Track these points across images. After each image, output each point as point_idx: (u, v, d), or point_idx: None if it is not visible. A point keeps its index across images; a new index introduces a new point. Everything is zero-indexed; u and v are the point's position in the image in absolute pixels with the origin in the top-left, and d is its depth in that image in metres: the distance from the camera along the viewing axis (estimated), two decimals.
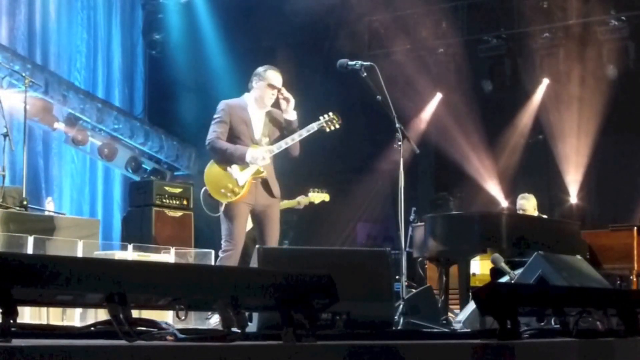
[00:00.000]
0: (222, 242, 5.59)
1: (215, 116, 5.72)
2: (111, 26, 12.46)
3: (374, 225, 13.08)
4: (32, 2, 11.23)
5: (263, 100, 5.73)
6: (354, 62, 5.67)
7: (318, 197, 7.56)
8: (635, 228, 7.78)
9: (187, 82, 12.26)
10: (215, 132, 5.63)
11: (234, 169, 5.59)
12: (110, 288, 2.35)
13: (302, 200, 7.57)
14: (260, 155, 5.60)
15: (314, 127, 5.79)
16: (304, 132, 5.76)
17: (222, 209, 5.56)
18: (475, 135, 11.76)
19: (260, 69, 5.77)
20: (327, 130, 5.85)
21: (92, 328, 2.58)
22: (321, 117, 5.85)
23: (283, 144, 5.69)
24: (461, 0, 11.82)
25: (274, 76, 5.71)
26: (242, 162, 5.57)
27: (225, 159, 5.60)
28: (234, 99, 5.84)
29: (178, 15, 12.60)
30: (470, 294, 6.35)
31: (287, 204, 7.63)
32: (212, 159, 5.70)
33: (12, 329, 2.15)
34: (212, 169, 5.65)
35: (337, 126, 5.88)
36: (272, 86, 5.69)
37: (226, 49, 12.41)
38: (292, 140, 5.72)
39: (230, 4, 12.43)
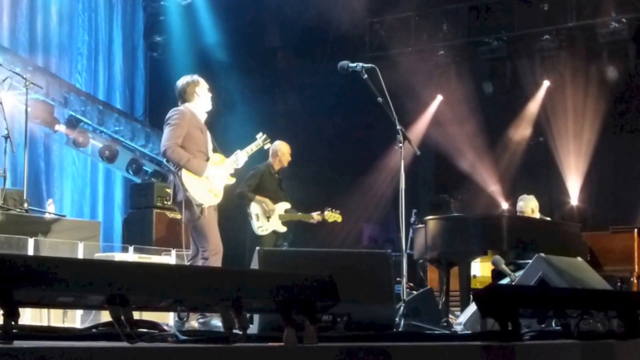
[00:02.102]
0: (205, 249, 5.51)
1: (171, 121, 5.61)
2: (112, 28, 12.47)
3: (374, 227, 13.08)
4: (34, 4, 11.23)
5: (209, 106, 5.81)
6: (354, 64, 5.67)
7: (332, 216, 7.93)
8: (636, 230, 7.77)
9: None
10: (173, 139, 5.53)
11: (210, 177, 5.63)
12: (111, 290, 2.36)
13: (316, 217, 7.89)
14: (218, 175, 5.68)
15: (259, 144, 6.18)
16: (254, 147, 6.12)
17: (205, 213, 5.51)
18: (476, 137, 11.77)
19: (192, 79, 5.76)
20: (265, 147, 6.35)
21: (94, 330, 2.59)
22: (257, 136, 6.21)
23: (240, 162, 5.89)
24: (462, 3, 11.83)
25: (205, 82, 5.82)
26: (199, 175, 5.55)
27: (182, 167, 5.54)
28: (181, 107, 5.75)
29: (179, 17, 12.60)
30: (471, 295, 6.35)
31: (301, 216, 7.86)
32: (171, 164, 5.62)
33: (14, 330, 2.16)
34: (191, 174, 5.56)
35: (269, 145, 6.45)
36: (209, 90, 5.81)
37: (227, 50, 12.42)
38: (247, 156, 5.98)
39: (231, 5, 12.44)
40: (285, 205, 7.78)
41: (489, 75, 11.98)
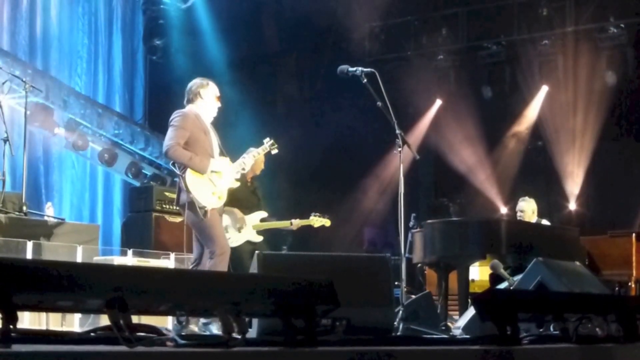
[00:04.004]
0: (212, 249, 5.52)
1: (174, 123, 5.64)
2: (112, 32, 12.49)
3: (373, 231, 13.08)
4: (34, 8, 11.25)
5: (214, 111, 5.79)
6: (354, 68, 5.68)
7: (318, 221, 7.48)
8: (634, 234, 7.79)
9: None
10: (175, 139, 5.55)
11: (215, 178, 5.63)
12: (110, 294, 2.36)
13: (296, 223, 7.40)
14: (222, 177, 5.67)
15: (266, 148, 6.15)
16: (261, 151, 6.14)
17: (208, 216, 5.51)
18: (475, 141, 11.78)
19: (200, 81, 5.76)
20: (272, 153, 6.24)
21: (92, 334, 2.58)
22: (264, 141, 6.17)
23: (247, 166, 5.87)
24: (461, 7, 11.86)
25: (216, 87, 5.81)
26: (202, 172, 5.57)
27: (185, 166, 5.56)
28: (184, 109, 5.75)
29: (179, 21, 12.62)
30: (469, 299, 6.35)
31: (278, 224, 7.41)
32: (176, 166, 5.65)
33: (12, 334, 2.16)
34: (195, 176, 5.57)
35: (276, 151, 6.27)
36: (218, 97, 5.79)
37: (227, 54, 12.43)
38: (253, 160, 5.97)
39: (231, 9, 12.45)
40: (261, 214, 7.27)
41: (488, 79, 12.00)
